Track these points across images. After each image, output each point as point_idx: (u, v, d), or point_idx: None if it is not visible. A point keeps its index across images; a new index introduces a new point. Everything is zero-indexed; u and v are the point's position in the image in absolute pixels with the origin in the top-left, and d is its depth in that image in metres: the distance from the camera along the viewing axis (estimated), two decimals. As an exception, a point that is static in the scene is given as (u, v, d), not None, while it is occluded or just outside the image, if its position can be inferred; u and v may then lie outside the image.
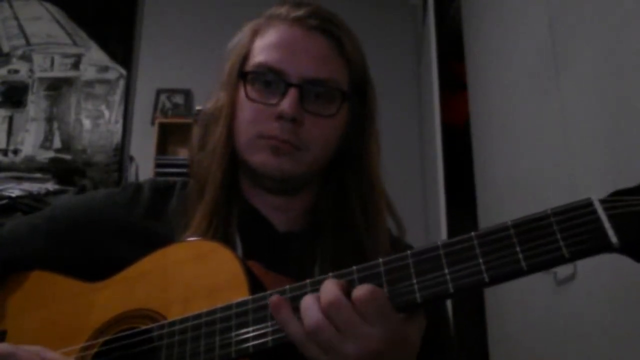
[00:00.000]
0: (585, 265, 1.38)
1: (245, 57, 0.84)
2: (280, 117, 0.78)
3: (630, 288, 1.17)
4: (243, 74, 0.82)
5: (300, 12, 0.82)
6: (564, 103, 1.49)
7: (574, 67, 1.43)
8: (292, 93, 0.78)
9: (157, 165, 3.25)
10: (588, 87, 1.36)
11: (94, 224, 0.84)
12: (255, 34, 0.85)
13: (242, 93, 0.82)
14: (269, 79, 0.80)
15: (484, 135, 2.29)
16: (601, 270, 1.29)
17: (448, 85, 2.81)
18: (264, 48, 0.82)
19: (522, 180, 1.79)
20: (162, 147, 3.39)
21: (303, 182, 0.84)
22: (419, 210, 3.22)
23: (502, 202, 2.00)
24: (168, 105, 3.50)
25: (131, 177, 3.24)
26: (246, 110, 0.81)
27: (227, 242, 0.74)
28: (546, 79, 1.60)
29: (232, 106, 0.83)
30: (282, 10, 0.84)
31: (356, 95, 0.85)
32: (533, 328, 1.70)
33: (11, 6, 3.45)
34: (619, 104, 1.21)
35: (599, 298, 1.31)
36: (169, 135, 3.45)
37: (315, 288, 0.61)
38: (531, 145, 1.74)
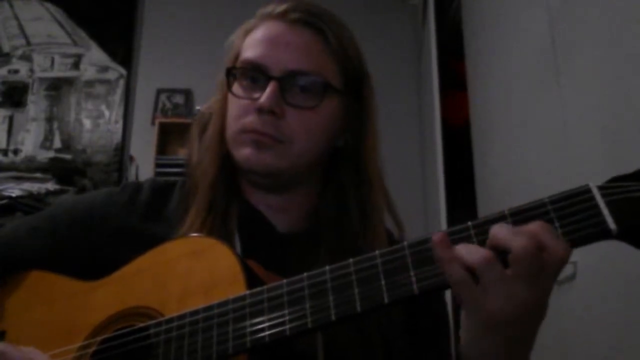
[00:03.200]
0: (585, 265, 1.37)
1: (237, 57, 0.85)
2: (259, 110, 0.78)
3: (630, 288, 1.17)
4: (230, 72, 0.83)
5: (282, 7, 0.83)
6: (564, 102, 1.49)
7: (574, 67, 1.43)
8: (272, 86, 0.79)
9: (157, 165, 3.25)
10: (588, 87, 1.36)
11: (94, 225, 0.84)
12: (246, 34, 0.87)
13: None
14: (253, 75, 0.81)
15: (484, 135, 2.28)
16: (601, 270, 1.29)
17: (448, 85, 2.81)
18: (249, 45, 0.84)
19: (522, 180, 1.79)
20: (162, 147, 3.39)
21: (292, 177, 0.83)
22: (419, 210, 3.22)
23: (502, 202, 1.99)
24: (168, 105, 3.50)
25: (131, 177, 3.24)
26: (233, 106, 0.83)
27: (226, 240, 0.74)
28: (546, 78, 1.60)
29: (224, 105, 0.84)
30: (268, 8, 0.85)
31: (351, 90, 0.85)
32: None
33: (11, 6, 3.45)
34: (619, 104, 1.20)
35: (599, 298, 1.31)
36: (169, 135, 3.45)
37: (312, 282, 0.60)
38: (531, 145, 1.74)
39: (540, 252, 0.53)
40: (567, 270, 1.42)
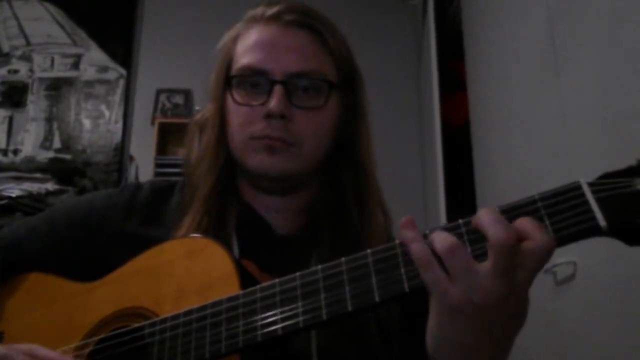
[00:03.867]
0: (585, 265, 1.37)
1: (230, 64, 0.84)
2: (268, 115, 0.78)
3: (630, 288, 1.17)
4: (228, 80, 0.83)
5: (275, 10, 0.83)
6: (564, 103, 1.48)
7: (574, 67, 1.43)
8: (278, 90, 0.78)
9: (157, 165, 3.25)
10: (588, 87, 1.35)
11: (93, 227, 0.84)
12: (236, 39, 0.86)
13: (230, 99, 0.82)
14: (254, 81, 0.81)
15: (484, 135, 2.28)
16: (601, 270, 1.29)
17: (448, 85, 2.81)
18: (245, 51, 0.82)
19: (521, 180, 1.79)
20: (162, 147, 3.39)
21: (302, 179, 0.83)
22: (419, 210, 3.21)
23: (502, 202, 1.99)
24: (168, 105, 3.50)
25: (131, 177, 3.24)
26: (236, 114, 0.82)
27: (224, 242, 0.74)
28: (546, 79, 1.59)
29: (221, 113, 0.84)
30: (258, 10, 0.85)
31: (345, 85, 0.85)
32: (532, 328, 1.69)
33: (11, 6, 3.45)
34: (619, 104, 1.20)
35: (599, 298, 1.30)
36: (169, 135, 3.45)
37: (304, 281, 0.60)
38: (531, 145, 1.74)
39: (516, 245, 0.52)
40: (567, 270, 1.42)
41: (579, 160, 1.38)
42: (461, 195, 2.51)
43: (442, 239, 0.55)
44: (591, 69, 1.34)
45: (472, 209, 2.35)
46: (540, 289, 1.62)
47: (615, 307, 1.23)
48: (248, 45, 0.82)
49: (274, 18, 0.82)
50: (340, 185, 0.85)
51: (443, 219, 2.50)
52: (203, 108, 0.89)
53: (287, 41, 0.81)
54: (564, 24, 1.49)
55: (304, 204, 0.86)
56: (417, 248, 0.55)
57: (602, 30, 1.27)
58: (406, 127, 3.43)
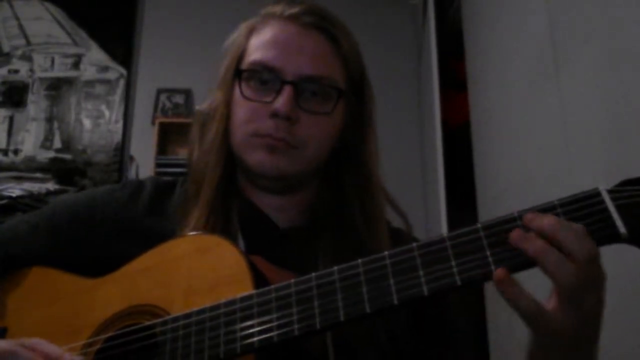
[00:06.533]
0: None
1: (241, 56, 0.84)
2: (274, 115, 0.77)
3: (630, 287, 1.17)
4: (238, 73, 0.82)
5: (295, 10, 0.82)
6: (564, 103, 1.49)
7: (574, 67, 1.43)
8: (287, 91, 0.78)
9: (157, 165, 3.26)
10: (588, 87, 1.36)
11: (95, 222, 0.84)
12: (250, 32, 0.85)
13: (237, 92, 0.82)
14: (265, 77, 0.80)
15: (484, 135, 2.29)
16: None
17: (448, 85, 2.81)
18: (259, 46, 0.82)
19: (522, 180, 1.79)
20: (162, 147, 3.39)
21: (300, 180, 0.83)
22: (419, 210, 3.22)
23: (503, 202, 2.00)
24: (168, 105, 3.50)
25: (131, 177, 3.24)
26: (241, 108, 0.81)
27: (230, 238, 0.74)
28: (546, 79, 1.60)
29: (228, 105, 0.83)
30: (277, 8, 0.84)
31: (353, 92, 0.85)
32: (533, 327, 1.69)
33: (11, 6, 3.45)
34: (619, 104, 1.21)
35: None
36: (169, 135, 3.45)
37: (320, 282, 0.60)
38: (531, 145, 1.74)
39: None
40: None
41: (580, 160, 1.38)
42: (461, 195, 2.51)
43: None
44: (591, 69, 1.34)
45: (472, 208, 2.35)
46: (539, 289, 1.63)
47: (615, 307, 1.23)
48: (263, 41, 0.82)
49: (293, 18, 0.82)
50: (342, 187, 0.85)
51: (443, 219, 2.50)
52: (210, 96, 0.87)
53: (302, 43, 0.81)
54: (564, 24, 1.50)
55: (303, 203, 0.86)
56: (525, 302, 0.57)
57: (602, 30, 1.28)
58: (406, 127, 3.43)
